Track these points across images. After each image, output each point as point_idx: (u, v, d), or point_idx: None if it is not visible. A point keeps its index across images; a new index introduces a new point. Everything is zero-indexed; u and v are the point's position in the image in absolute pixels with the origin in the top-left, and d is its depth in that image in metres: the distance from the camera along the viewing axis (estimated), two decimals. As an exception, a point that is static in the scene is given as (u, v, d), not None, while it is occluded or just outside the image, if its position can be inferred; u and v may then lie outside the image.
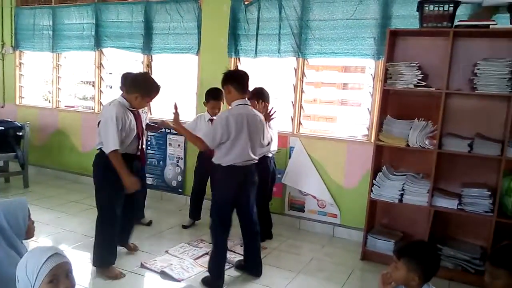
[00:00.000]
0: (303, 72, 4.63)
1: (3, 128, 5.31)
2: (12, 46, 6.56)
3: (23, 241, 2.24)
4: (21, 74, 6.73)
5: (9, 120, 5.81)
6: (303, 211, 4.68)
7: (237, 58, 4.96)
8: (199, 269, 3.55)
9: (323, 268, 3.76)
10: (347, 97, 5.30)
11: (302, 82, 4.65)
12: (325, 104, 5.24)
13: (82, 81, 6.84)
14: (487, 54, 3.48)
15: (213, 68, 5.00)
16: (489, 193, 3.44)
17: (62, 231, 4.26)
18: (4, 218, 2.13)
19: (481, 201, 3.45)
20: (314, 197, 4.61)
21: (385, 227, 4.14)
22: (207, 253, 3.82)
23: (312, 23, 4.42)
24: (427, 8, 3.48)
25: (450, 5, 3.41)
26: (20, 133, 5.64)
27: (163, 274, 3.41)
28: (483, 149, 3.43)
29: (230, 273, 3.52)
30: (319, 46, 4.42)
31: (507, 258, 2.13)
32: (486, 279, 2.21)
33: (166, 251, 3.86)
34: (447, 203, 3.59)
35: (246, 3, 4.76)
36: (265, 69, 4.87)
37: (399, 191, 3.74)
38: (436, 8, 3.45)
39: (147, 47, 5.41)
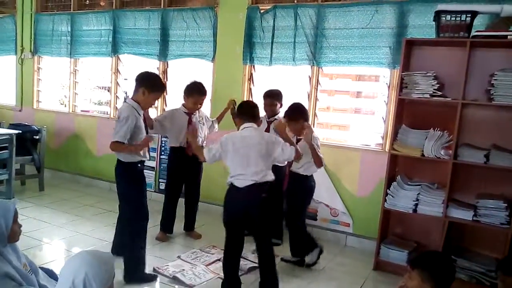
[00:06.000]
0: (318, 80, 4.64)
1: (20, 131, 5.39)
2: (31, 51, 6.69)
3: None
4: (39, 79, 6.86)
5: (26, 123, 5.92)
6: (316, 220, 4.66)
7: (252, 66, 4.99)
8: (211, 275, 3.56)
9: (335, 278, 3.74)
10: (360, 105, 5.30)
11: (317, 90, 4.65)
12: (338, 112, 5.24)
13: (98, 86, 6.95)
14: (504, 64, 3.45)
15: (228, 75, 5.06)
16: (506, 205, 3.38)
17: (76, 234, 4.30)
18: None
19: (497, 213, 3.40)
20: (327, 206, 4.59)
21: (398, 237, 4.09)
22: (219, 259, 3.83)
23: (328, 31, 4.44)
24: (444, 18, 3.47)
25: (468, 15, 3.39)
26: (37, 137, 5.73)
27: (175, 280, 3.43)
28: (499, 160, 3.39)
29: (242, 279, 3.52)
30: (334, 55, 4.43)
31: None
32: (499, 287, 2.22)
33: (178, 257, 3.88)
34: (462, 214, 3.54)
35: (261, 11, 4.79)
36: (279, 77, 4.89)
37: (414, 201, 3.71)
38: (453, 18, 3.44)
39: (163, 54, 5.48)
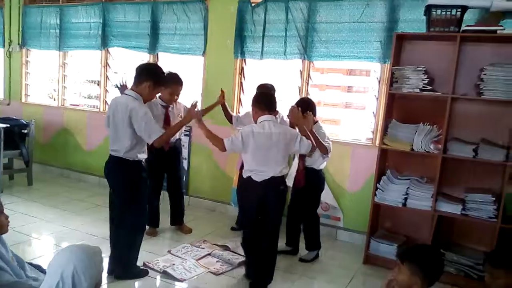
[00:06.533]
0: (309, 74, 4.63)
1: (8, 125, 5.33)
2: (19, 44, 6.60)
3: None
4: (27, 72, 6.77)
5: (14, 117, 5.84)
6: (306, 214, 4.66)
7: (243, 60, 4.97)
8: (201, 269, 3.55)
9: (326, 271, 3.75)
10: (351, 100, 5.29)
11: (308, 84, 4.65)
12: (329, 106, 5.23)
13: (87, 80, 6.88)
14: (494, 59, 3.46)
15: (218, 69, 5.03)
16: (494, 198, 3.42)
17: (64, 228, 4.26)
18: None
19: (485, 207, 3.43)
20: (318, 200, 4.60)
21: (388, 231, 4.12)
22: (209, 254, 3.84)
23: (319, 25, 4.43)
24: (434, 12, 3.47)
25: (458, 9, 3.40)
26: (25, 131, 5.67)
27: (165, 274, 3.42)
28: (488, 155, 3.41)
29: (233, 274, 3.53)
30: (325, 49, 4.42)
31: (506, 258, 2.20)
32: (487, 280, 2.27)
33: (169, 251, 3.86)
34: (451, 208, 3.57)
35: (253, 4, 4.76)
36: (270, 71, 4.87)
37: (403, 195, 3.73)
38: (444, 13, 3.44)
39: (153, 47, 5.43)
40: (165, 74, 3.74)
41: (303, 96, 4.58)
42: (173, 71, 4.06)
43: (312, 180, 3.76)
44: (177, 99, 4.08)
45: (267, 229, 3.24)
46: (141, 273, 3.39)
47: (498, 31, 3.30)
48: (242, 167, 3.32)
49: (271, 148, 3.10)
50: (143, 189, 3.25)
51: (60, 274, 1.80)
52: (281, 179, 3.21)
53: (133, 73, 3.18)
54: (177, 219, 4.45)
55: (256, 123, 3.22)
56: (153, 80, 3.12)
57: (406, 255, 2.16)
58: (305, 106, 3.57)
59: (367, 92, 4.93)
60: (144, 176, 3.25)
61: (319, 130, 3.60)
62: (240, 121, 4.23)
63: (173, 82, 3.95)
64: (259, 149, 3.10)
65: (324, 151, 3.56)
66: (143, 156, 3.23)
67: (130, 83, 3.68)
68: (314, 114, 3.65)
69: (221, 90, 4.28)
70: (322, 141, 3.52)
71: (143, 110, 3.05)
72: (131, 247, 3.29)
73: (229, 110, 4.34)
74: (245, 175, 3.22)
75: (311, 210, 3.93)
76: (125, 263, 3.29)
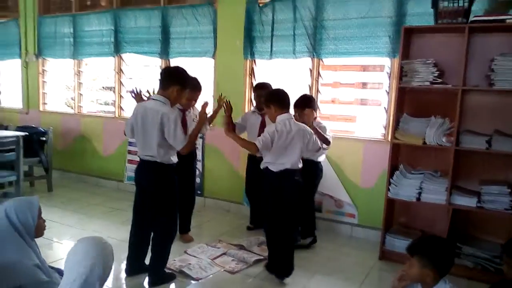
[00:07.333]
0: (319, 72, 4.64)
1: (27, 133, 5.47)
2: (35, 54, 6.76)
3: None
4: (44, 81, 6.93)
5: (33, 126, 6.00)
6: (321, 211, 4.67)
7: (253, 60, 5.00)
8: (217, 268, 3.59)
9: (341, 268, 3.75)
10: (366, 96, 5.24)
11: (318, 82, 4.65)
12: (344, 104, 5.18)
13: (103, 87, 6.99)
14: (504, 49, 3.43)
15: (229, 71, 5.08)
16: (509, 190, 3.38)
17: (84, 232, 4.35)
18: (15, 215, 2.26)
19: (501, 199, 3.39)
20: (332, 197, 4.60)
21: (403, 226, 4.10)
22: (225, 253, 3.88)
23: (326, 23, 4.43)
24: (441, 4, 3.45)
25: (465, 0, 3.37)
26: (44, 138, 5.81)
27: (182, 274, 3.47)
28: (502, 146, 3.37)
29: (248, 272, 3.56)
30: (334, 46, 4.42)
31: None
32: (505, 270, 2.24)
33: (185, 251, 3.91)
34: (466, 201, 3.54)
35: (260, 5, 4.80)
36: (280, 71, 4.89)
37: (417, 189, 3.71)
38: (451, 4, 3.42)
39: (164, 52, 5.51)
40: (187, 76, 3.74)
41: (313, 93, 4.59)
42: (193, 76, 3.97)
43: (310, 171, 3.83)
44: (194, 104, 4.06)
45: (284, 219, 3.36)
46: (170, 277, 3.41)
47: (507, 20, 3.26)
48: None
49: (291, 144, 3.30)
50: (176, 193, 3.28)
51: (79, 268, 1.84)
52: (296, 171, 3.37)
53: (158, 78, 3.20)
54: (186, 227, 4.27)
55: (274, 121, 3.37)
56: (180, 84, 3.13)
57: (415, 248, 2.15)
58: (306, 103, 3.79)
59: (381, 88, 4.89)
60: (176, 180, 3.28)
61: (319, 125, 3.83)
62: (240, 126, 4.25)
63: (192, 87, 3.87)
64: (281, 145, 3.29)
65: (327, 142, 3.77)
66: (175, 159, 3.26)
67: (144, 91, 3.75)
68: (315, 110, 3.86)
69: (219, 96, 4.13)
70: (324, 134, 3.76)
71: (174, 116, 3.04)
72: (165, 253, 3.31)
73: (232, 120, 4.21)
74: (262, 166, 3.40)
75: (307, 199, 4.03)
76: (158, 268, 3.30)
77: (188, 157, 3.47)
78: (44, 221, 2.45)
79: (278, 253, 3.42)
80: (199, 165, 5.40)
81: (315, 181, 4.09)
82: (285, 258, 3.41)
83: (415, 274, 2.14)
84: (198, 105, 4.19)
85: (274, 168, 3.32)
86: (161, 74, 3.21)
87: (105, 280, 1.95)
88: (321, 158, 4.04)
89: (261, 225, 4.32)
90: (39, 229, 2.41)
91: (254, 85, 4.40)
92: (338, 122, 4.77)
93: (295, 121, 3.38)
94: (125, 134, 3.42)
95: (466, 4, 3.38)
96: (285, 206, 3.34)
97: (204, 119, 3.38)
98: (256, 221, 4.56)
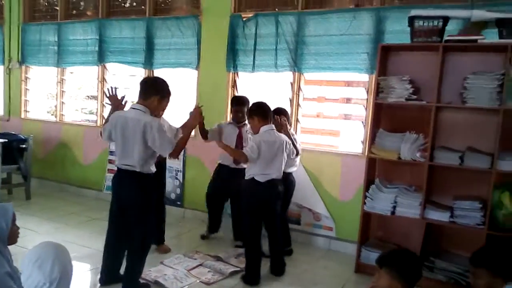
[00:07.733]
0: (299, 86, 4.71)
1: (6, 140, 5.42)
2: (18, 61, 6.73)
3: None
4: (26, 89, 6.88)
5: (13, 133, 5.94)
6: (299, 224, 4.70)
7: (236, 73, 5.06)
8: (192, 279, 3.59)
9: (317, 281, 3.78)
10: (350, 111, 5.30)
11: (298, 96, 4.72)
12: (329, 119, 5.23)
13: (87, 96, 6.97)
14: (477, 68, 3.52)
15: (212, 82, 5.12)
16: (481, 205, 3.46)
17: (60, 241, 4.28)
18: None
19: (472, 214, 3.47)
20: (310, 210, 4.64)
21: (380, 240, 4.15)
22: (201, 264, 3.87)
23: (308, 38, 4.52)
24: (417, 23, 3.56)
25: (440, 20, 3.49)
26: (24, 146, 5.75)
27: (157, 284, 3.45)
28: (474, 162, 3.46)
29: (224, 284, 3.56)
30: (315, 61, 4.51)
31: (485, 257, 2.25)
32: (471, 281, 2.30)
33: (161, 262, 3.89)
34: (439, 216, 3.61)
35: (244, 19, 4.87)
36: (262, 84, 4.95)
37: (392, 203, 3.76)
38: (426, 23, 3.53)
39: (148, 62, 5.53)
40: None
41: (294, 107, 4.66)
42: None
43: (284, 183, 3.84)
44: (162, 114, 3.82)
45: (274, 220, 3.66)
46: (145, 287, 3.39)
47: (478, 41, 3.37)
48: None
49: (276, 154, 3.52)
50: (153, 203, 3.31)
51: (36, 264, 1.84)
52: (280, 181, 3.62)
53: (137, 88, 3.22)
54: (160, 238, 4.23)
55: (257, 132, 3.55)
56: (160, 94, 3.18)
57: (384, 260, 2.20)
58: (282, 111, 4.07)
59: (364, 103, 4.96)
60: (154, 190, 3.31)
61: (293, 136, 4.03)
62: (212, 134, 4.29)
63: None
64: (268, 156, 3.47)
65: (297, 152, 3.92)
66: (154, 169, 3.26)
67: (119, 94, 3.69)
68: (288, 121, 4.06)
69: (197, 106, 3.85)
70: (296, 144, 3.93)
71: (157, 124, 3.05)
72: (140, 263, 3.28)
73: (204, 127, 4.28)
74: (247, 177, 3.55)
75: (282, 210, 4.05)
76: (133, 278, 3.27)
77: (157, 168, 3.44)
78: (18, 228, 2.42)
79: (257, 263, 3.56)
80: (179, 175, 5.41)
81: (289, 192, 4.13)
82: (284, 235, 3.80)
83: (384, 286, 2.17)
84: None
85: (261, 178, 3.48)
86: (141, 84, 3.24)
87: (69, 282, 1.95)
88: (293, 169, 4.13)
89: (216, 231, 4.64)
90: (12, 236, 2.37)
91: (231, 99, 4.47)
92: (323, 136, 4.83)
93: (276, 131, 3.57)
94: (101, 135, 3.34)
95: (440, 24, 3.49)
96: (271, 216, 3.55)
97: (195, 126, 3.51)
98: (214, 229, 4.65)
